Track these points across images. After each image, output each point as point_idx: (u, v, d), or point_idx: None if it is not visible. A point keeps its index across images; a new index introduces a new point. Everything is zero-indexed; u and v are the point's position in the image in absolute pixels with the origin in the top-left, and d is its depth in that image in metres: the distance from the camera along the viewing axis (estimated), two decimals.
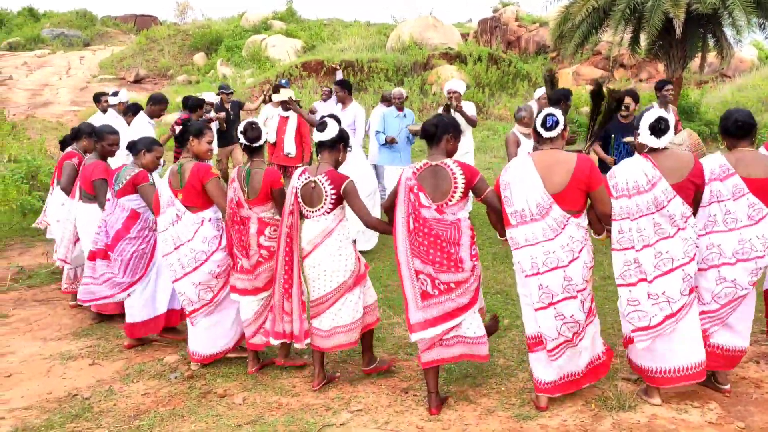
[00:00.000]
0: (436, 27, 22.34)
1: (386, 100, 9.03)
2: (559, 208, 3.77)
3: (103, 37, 30.94)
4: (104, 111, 8.21)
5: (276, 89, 9.69)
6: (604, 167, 6.34)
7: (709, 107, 16.58)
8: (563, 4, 16.19)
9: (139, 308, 5.05)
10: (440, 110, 7.86)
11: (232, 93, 10.33)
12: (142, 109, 7.58)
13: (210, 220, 4.55)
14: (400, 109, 8.57)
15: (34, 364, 4.79)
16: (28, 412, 4.09)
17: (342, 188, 4.14)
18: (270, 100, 9.54)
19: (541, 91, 7.84)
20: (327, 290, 4.21)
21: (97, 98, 8.78)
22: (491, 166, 13.01)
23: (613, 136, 6.73)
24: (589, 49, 21.22)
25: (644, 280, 3.86)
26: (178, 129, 4.78)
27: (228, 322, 4.66)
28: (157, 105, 7.49)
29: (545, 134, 3.88)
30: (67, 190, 5.78)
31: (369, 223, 4.22)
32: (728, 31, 14.70)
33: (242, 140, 4.44)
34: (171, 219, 4.52)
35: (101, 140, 5.44)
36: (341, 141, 4.31)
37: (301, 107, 8.73)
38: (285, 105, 8.39)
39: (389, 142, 8.17)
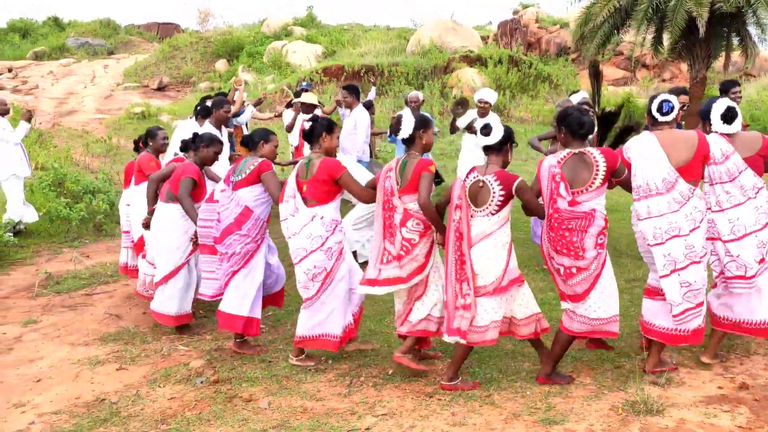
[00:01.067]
0: (456, 30, 22.34)
1: (407, 102, 9.04)
2: (684, 181, 4.03)
3: (127, 45, 31.36)
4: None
5: (298, 94, 9.76)
6: None
7: None
8: (584, 5, 16.10)
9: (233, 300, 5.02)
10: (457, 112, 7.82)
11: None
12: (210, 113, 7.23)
13: (322, 218, 4.56)
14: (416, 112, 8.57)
15: (62, 369, 4.86)
16: (57, 416, 4.15)
17: (514, 187, 4.13)
18: (290, 106, 9.59)
19: (578, 97, 7.51)
20: (480, 284, 4.19)
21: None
22: (511, 168, 12.96)
23: None
24: (610, 49, 21.05)
25: (719, 238, 4.32)
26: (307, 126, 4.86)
27: (328, 310, 4.67)
28: (221, 107, 7.17)
29: (661, 119, 4.17)
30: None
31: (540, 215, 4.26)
32: (752, 30, 14.52)
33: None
34: (290, 210, 4.63)
35: (210, 146, 5.46)
36: (508, 141, 4.28)
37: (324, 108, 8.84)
38: (307, 108, 8.40)
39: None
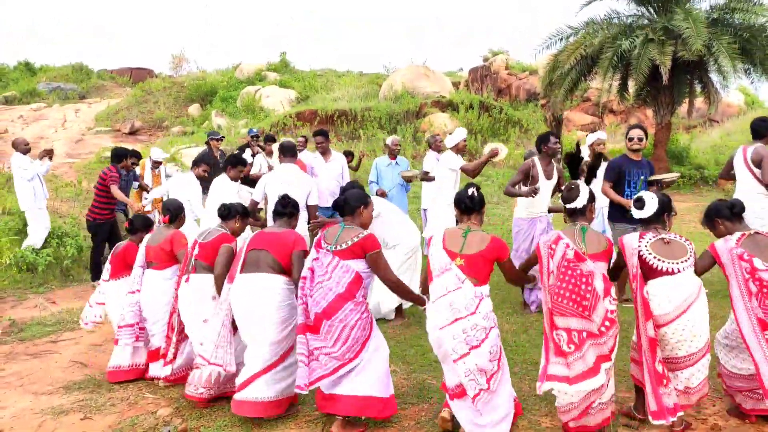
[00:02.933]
0: (428, 76, 22.73)
1: (430, 145, 9.01)
2: None
3: (99, 90, 31.31)
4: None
5: (272, 138, 9.85)
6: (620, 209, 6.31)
7: (698, 151, 16.80)
8: (552, 53, 16.56)
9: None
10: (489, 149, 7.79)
11: (221, 139, 10.33)
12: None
13: (487, 296, 4.04)
14: (392, 157, 8.62)
15: (25, 419, 4.71)
16: None
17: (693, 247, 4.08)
18: (257, 153, 9.66)
19: (593, 137, 7.88)
20: (693, 351, 3.97)
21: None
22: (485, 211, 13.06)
23: (627, 174, 6.50)
24: (578, 95, 21.60)
25: None
26: None
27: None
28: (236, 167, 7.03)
29: None
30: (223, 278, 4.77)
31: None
32: (715, 77, 15.03)
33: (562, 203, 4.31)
34: (451, 284, 3.97)
35: (295, 216, 4.86)
36: (664, 212, 4.20)
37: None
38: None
39: (379, 195, 8.12)
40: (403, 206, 8.37)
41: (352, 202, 4.46)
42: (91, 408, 4.86)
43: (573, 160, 4.79)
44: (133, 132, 23.30)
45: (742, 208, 4.24)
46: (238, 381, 4.50)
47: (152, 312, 5.31)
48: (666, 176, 6.21)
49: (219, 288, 4.72)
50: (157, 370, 5.24)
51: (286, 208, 4.74)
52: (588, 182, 4.71)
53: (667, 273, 3.96)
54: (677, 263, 3.97)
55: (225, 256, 4.78)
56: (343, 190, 4.57)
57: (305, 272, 4.29)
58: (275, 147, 9.42)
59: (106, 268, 5.77)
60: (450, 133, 7.90)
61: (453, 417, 4.10)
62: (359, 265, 4.27)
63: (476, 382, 3.84)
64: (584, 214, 4.22)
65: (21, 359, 6.03)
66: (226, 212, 5.17)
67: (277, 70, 28.43)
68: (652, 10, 15.69)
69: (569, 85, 16.07)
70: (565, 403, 3.91)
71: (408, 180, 8.39)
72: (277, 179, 6.63)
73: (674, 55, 13.72)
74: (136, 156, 9.26)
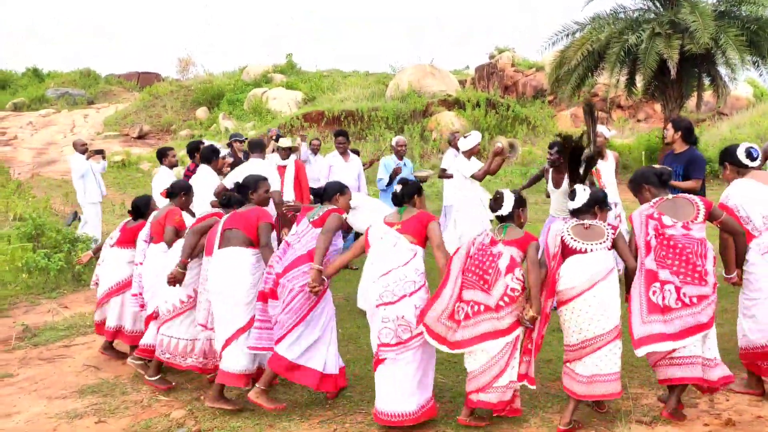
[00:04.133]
0: (434, 75, 22.67)
1: (449, 143, 9.05)
2: None
3: (107, 95, 31.41)
4: (171, 166, 8.22)
5: (276, 138, 9.90)
6: None
7: (707, 145, 16.66)
8: (558, 49, 16.49)
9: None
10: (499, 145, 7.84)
11: (245, 141, 10.38)
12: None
13: (421, 256, 4.41)
14: (400, 157, 8.65)
15: (39, 424, 4.74)
16: None
17: (618, 232, 4.25)
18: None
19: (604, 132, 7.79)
20: (600, 332, 4.07)
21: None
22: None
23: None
24: (586, 91, 21.48)
25: None
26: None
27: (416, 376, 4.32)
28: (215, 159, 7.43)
29: (751, 164, 4.59)
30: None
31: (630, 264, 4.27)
32: (723, 70, 14.92)
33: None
34: (384, 249, 4.42)
35: (256, 191, 5.18)
36: (594, 205, 4.38)
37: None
38: (284, 153, 8.51)
39: (395, 173, 8.46)
40: None
41: (329, 191, 5.09)
42: (105, 411, 4.89)
43: (574, 152, 4.95)
44: (141, 136, 23.37)
45: (670, 176, 4.51)
46: (217, 347, 4.95)
47: (150, 283, 5.57)
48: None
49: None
50: (150, 337, 5.46)
51: (241, 192, 5.27)
52: (585, 176, 4.83)
53: (579, 252, 4.18)
54: (590, 244, 4.17)
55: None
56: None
57: (283, 245, 4.84)
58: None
59: (116, 234, 6.10)
60: (465, 136, 7.93)
61: (472, 411, 4.29)
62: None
63: (394, 332, 4.23)
64: (512, 219, 4.44)
65: (34, 364, 6.07)
66: (226, 201, 5.45)
67: (283, 71, 28.44)
68: (658, 4, 15.62)
69: (576, 81, 15.99)
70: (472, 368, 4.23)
71: (422, 180, 8.42)
72: (246, 171, 7.00)
73: (681, 48, 13.64)
74: (239, 140, 9.78)
